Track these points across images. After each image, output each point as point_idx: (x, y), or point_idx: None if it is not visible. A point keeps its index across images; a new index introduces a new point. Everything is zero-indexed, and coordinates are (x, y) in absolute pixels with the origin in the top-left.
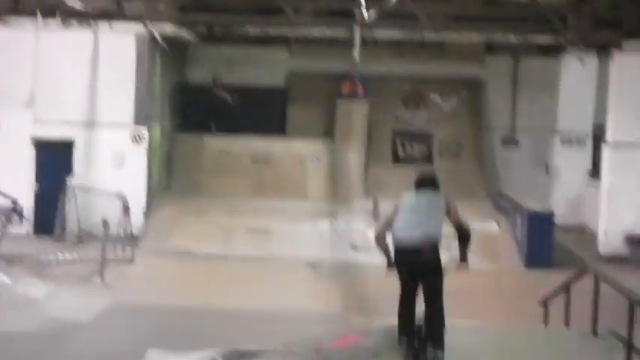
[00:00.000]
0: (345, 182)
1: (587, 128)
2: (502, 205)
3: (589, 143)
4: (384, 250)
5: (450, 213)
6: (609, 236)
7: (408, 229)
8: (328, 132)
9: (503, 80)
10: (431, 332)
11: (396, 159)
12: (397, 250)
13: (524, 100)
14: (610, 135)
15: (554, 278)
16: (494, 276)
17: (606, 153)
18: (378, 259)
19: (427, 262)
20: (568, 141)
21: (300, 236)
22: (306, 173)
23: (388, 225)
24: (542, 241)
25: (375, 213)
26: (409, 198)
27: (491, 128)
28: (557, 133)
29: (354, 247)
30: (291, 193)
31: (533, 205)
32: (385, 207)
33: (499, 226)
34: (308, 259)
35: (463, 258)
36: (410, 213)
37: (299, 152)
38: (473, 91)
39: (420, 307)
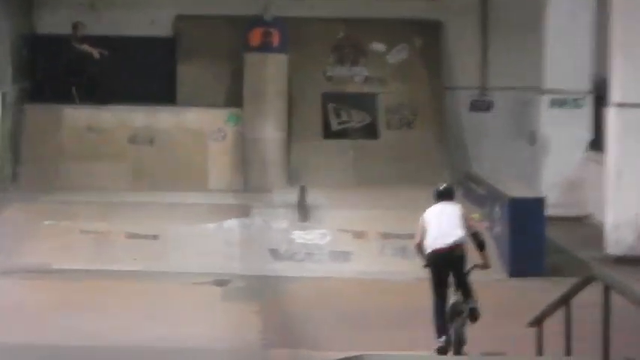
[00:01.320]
0: (261, 166)
1: (584, 85)
2: (473, 190)
3: (588, 105)
4: (423, 254)
5: (466, 222)
6: (620, 230)
7: (439, 237)
8: (234, 98)
9: (470, 21)
10: (464, 294)
11: (327, 132)
12: (433, 256)
13: (499, 48)
14: (616, 94)
15: (547, 290)
16: None
17: (611, 118)
18: (308, 270)
19: (458, 258)
20: (559, 103)
21: (200, 242)
22: (206, 155)
23: (423, 236)
24: (531, 239)
25: (302, 206)
26: (433, 211)
27: (455, 87)
28: (544, 92)
29: (276, 255)
30: (186, 184)
31: (515, 189)
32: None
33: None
34: (213, 273)
35: (487, 264)
36: (437, 224)
37: (195, 127)
38: (429, 36)
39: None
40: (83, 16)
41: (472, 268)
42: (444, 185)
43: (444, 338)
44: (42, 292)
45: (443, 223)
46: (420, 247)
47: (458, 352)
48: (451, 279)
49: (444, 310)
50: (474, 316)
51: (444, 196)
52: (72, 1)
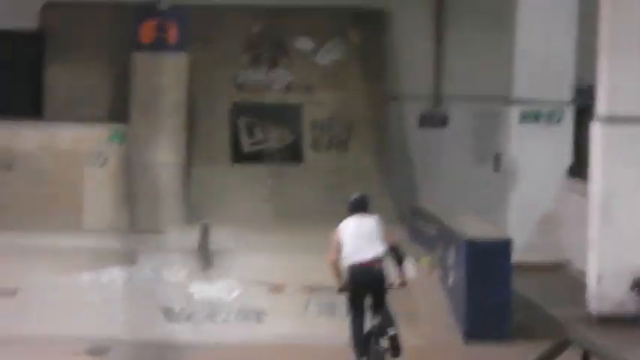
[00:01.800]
0: (152, 199)
1: (563, 94)
2: (422, 229)
3: (568, 120)
4: (338, 273)
5: (384, 235)
6: (606, 280)
7: (358, 252)
8: (119, 111)
9: (421, 11)
10: (383, 320)
11: (238, 154)
12: (352, 270)
13: (457, 46)
14: (603, 104)
15: (513, 358)
16: (412, 357)
17: (597, 135)
18: (210, 334)
19: (379, 275)
20: (532, 116)
21: (72, 298)
22: (81, 185)
23: (339, 251)
24: (493, 291)
25: (204, 251)
26: (349, 225)
27: (402, 97)
28: (513, 102)
29: (170, 315)
30: (55, 221)
31: (475, 228)
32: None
33: (417, 269)
34: (87, 339)
35: (403, 281)
36: (354, 238)
37: (68, 148)
38: (370, 31)
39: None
40: None
41: (390, 286)
42: (359, 195)
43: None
44: None
45: (360, 238)
46: (335, 265)
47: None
48: (368, 301)
49: (362, 333)
50: (394, 345)
51: (359, 207)
52: None
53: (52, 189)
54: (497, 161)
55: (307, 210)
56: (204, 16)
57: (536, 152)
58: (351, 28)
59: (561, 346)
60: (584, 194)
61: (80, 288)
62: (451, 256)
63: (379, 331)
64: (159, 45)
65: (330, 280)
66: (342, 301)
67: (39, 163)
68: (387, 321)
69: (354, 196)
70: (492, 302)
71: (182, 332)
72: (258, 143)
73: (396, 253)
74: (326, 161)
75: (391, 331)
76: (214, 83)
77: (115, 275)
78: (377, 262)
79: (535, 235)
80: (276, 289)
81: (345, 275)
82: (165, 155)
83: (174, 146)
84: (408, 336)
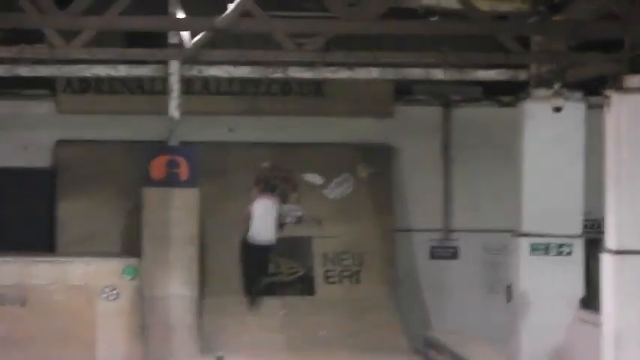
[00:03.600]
0: (165, 332)
1: (573, 227)
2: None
3: (578, 252)
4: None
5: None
6: None
7: (262, 232)
8: (131, 245)
9: (428, 146)
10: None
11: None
12: (254, 244)
13: (465, 180)
14: (612, 237)
15: None
16: None
17: (608, 268)
18: None
19: (270, 249)
20: (542, 249)
21: None
22: (94, 320)
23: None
24: None
25: None
26: (258, 206)
27: (412, 229)
28: (522, 235)
29: None
30: (68, 356)
31: (488, 359)
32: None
33: None
34: None
35: None
36: (260, 220)
37: (81, 283)
38: (378, 165)
39: None
40: None
41: None
42: (270, 182)
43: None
44: None
45: (267, 221)
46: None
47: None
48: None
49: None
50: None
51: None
52: None
53: (64, 324)
54: (508, 292)
55: (320, 341)
56: (215, 152)
57: (547, 284)
58: (359, 162)
59: None
60: (597, 325)
61: None
62: None
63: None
64: (170, 180)
65: None
66: None
67: (51, 298)
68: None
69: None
70: None
71: None
72: (270, 276)
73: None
74: (337, 294)
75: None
76: (226, 216)
77: None
78: (273, 240)
79: None
80: None
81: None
82: (177, 287)
83: (186, 278)
84: None
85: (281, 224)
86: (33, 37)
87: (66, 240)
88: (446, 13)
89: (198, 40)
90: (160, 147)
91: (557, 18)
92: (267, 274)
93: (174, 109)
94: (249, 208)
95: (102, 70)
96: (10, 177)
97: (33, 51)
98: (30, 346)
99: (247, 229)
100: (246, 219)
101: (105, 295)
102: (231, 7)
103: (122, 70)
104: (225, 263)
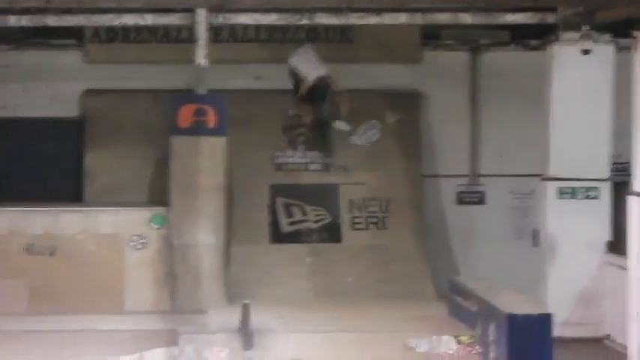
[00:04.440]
0: (192, 279)
1: (601, 170)
2: (462, 305)
3: (605, 195)
4: None
5: None
6: None
7: None
8: (159, 194)
9: (456, 91)
10: None
11: (277, 234)
12: None
13: (493, 125)
14: (639, 180)
15: None
16: None
17: (634, 211)
18: None
19: None
20: (569, 193)
21: None
22: (122, 268)
23: None
24: None
25: (246, 331)
26: None
27: (439, 175)
28: (550, 180)
29: None
30: (97, 304)
31: (515, 304)
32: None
33: (459, 345)
34: None
35: None
36: None
37: (109, 232)
38: (405, 111)
39: None
40: None
41: None
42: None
43: None
44: None
45: None
46: None
47: None
48: None
49: None
50: None
51: None
52: None
53: (93, 272)
54: (535, 237)
55: (346, 289)
56: (243, 100)
57: (574, 228)
58: (387, 108)
59: None
60: (623, 268)
61: None
62: (492, 332)
63: None
64: (197, 129)
65: (372, 356)
66: None
67: (80, 248)
68: None
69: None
70: None
71: None
72: (297, 223)
73: None
74: (364, 240)
75: None
76: (253, 164)
77: (156, 356)
78: None
79: (575, 309)
80: None
81: None
82: (204, 236)
83: (213, 227)
84: None
85: None
86: None
87: (93, 190)
88: None
89: None
90: (187, 95)
91: None
92: None
93: (201, 58)
94: None
95: (129, 19)
96: (38, 127)
97: (61, 0)
98: (59, 295)
99: None
100: None
101: (133, 244)
102: None
103: (149, 19)
104: (253, 213)
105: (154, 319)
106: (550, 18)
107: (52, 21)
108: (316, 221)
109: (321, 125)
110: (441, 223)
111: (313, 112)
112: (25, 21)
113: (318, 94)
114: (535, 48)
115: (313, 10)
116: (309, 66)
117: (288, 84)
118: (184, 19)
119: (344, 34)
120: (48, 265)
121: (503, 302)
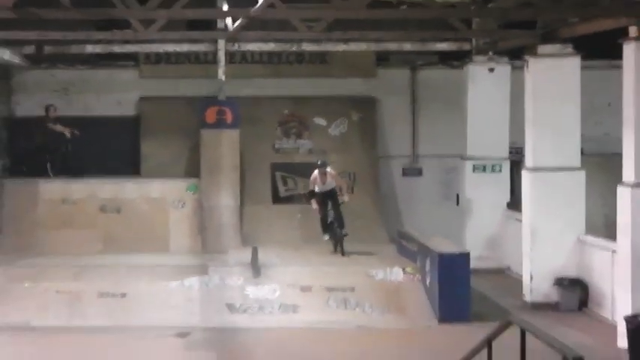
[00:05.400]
0: (216, 230)
1: (502, 152)
2: (406, 247)
3: (506, 170)
4: (311, 197)
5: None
6: (536, 280)
7: (321, 187)
8: (192, 169)
9: (401, 97)
10: (339, 223)
11: (276, 198)
12: (319, 194)
13: (427, 121)
14: (529, 159)
15: (472, 334)
16: (402, 335)
17: (526, 181)
18: (260, 321)
19: (333, 192)
20: (481, 168)
21: (163, 299)
22: (167, 221)
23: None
24: (457, 289)
25: (255, 265)
26: (316, 174)
27: (389, 156)
28: (467, 159)
29: (232, 309)
30: (150, 247)
31: (443, 245)
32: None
33: (405, 274)
34: (175, 327)
35: (343, 198)
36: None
37: (157, 196)
38: (365, 111)
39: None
40: (57, 100)
41: (340, 200)
42: (321, 160)
43: (327, 235)
44: (22, 347)
45: (322, 181)
46: (311, 191)
47: (338, 242)
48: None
49: (327, 220)
50: (343, 235)
51: (321, 166)
52: (46, 85)
53: (147, 225)
54: (457, 199)
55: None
56: (250, 104)
57: (484, 193)
58: (352, 109)
59: (505, 326)
60: (519, 221)
61: (169, 292)
62: (428, 265)
63: (338, 223)
64: (219, 124)
65: (343, 282)
66: (353, 297)
67: (138, 207)
68: (341, 221)
69: (319, 160)
70: (457, 296)
71: (241, 321)
72: (290, 190)
73: (340, 188)
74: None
75: (344, 231)
76: (258, 149)
77: (193, 282)
78: (331, 189)
79: (485, 249)
80: (306, 289)
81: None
82: (225, 200)
83: (231, 193)
84: (399, 322)
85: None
86: (122, 24)
87: (147, 167)
88: (412, 3)
89: (237, 25)
90: (211, 100)
91: (490, 5)
92: (342, 221)
93: (221, 74)
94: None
95: (170, 47)
96: (108, 123)
97: (122, 34)
98: (123, 241)
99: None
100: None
101: (175, 205)
102: (260, 1)
103: (185, 47)
104: (258, 183)
105: (190, 257)
106: (466, 46)
107: (116, 48)
108: (304, 188)
109: (306, 121)
110: (391, 191)
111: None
112: (98, 49)
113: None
114: (456, 67)
115: (300, 41)
116: None
117: (282, 92)
118: (210, 47)
119: (322, 57)
120: (115, 220)
121: (435, 244)
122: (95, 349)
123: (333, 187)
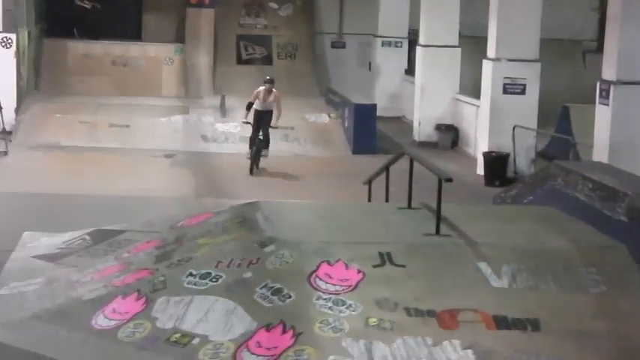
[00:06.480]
0: (196, 81)
1: (403, 33)
2: (333, 99)
3: (405, 46)
4: (248, 110)
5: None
6: (422, 125)
7: (261, 104)
8: (179, 37)
9: None
10: (265, 143)
11: (239, 60)
12: (256, 111)
13: (350, 8)
14: (422, 39)
15: (377, 162)
16: (326, 161)
17: (419, 54)
18: (225, 149)
19: (269, 115)
20: (387, 44)
21: (156, 130)
22: (160, 74)
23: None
24: (367, 130)
25: (223, 108)
26: (260, 89)
27: (322, 32)
28: (378, 37)
29: (205, 139)
30: (148, 92)
31: (358, 98)
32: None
33: (330, 118)
34: (164, 150)
35: (276, 125)
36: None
37: (154, 55)
38: None
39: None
40: None
41: (274, 126)
42: (269, 77)
43: (250, 153)
44: (54, 160)
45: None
46: (249, 106)
47: (256, 156)
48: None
49: (253, 142)
50: (262, 155)
51: (267, 82)
52: None
53: (146, 76)
54: (370, 66)
55: (275, 89)
56: None
57: (389, 62)
58: None
59: (399, 156)
60: (412, 83)
61: (160, 125)
62: (346, 112)
63: (264, 143)
64: (200, 4)
65: (285, 121)
66: (292, 133)
67: (140, 63)
68: (267, 142)
69: (267, 76)
70: (366, 135)
71: (211, 147)
72: (250, 54)
73: (278, 108)
74: (284, 65)
75: (266, 152)
76: (228, 24)
77: (177, 119)
78: (269, 111)
79: (388, 102)
80: None
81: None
82: (203, 60)
83: (208, 55)
84: (324, 152)
85: None
86: None
87: (146, 33)
88: None
89: None
90: None
91: None
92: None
93: None
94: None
95: None
96: (120, 1)
97: None
98: (128, 86)
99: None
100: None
101: (166, 62)
102: None
103: None
104: (227, 49)
105: (176, 100)
106: None
107: None
108: (260, 54)
109: (263, 5)
110: (322, 58)
111: None
112: None
113: None
114: None
115: None
116: None
117: None
118: None
119: None
120: (123, 71)
121: (352, 97)
122: (107, 163)
123: (271, 110)
